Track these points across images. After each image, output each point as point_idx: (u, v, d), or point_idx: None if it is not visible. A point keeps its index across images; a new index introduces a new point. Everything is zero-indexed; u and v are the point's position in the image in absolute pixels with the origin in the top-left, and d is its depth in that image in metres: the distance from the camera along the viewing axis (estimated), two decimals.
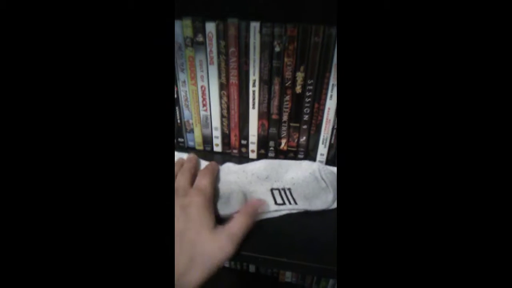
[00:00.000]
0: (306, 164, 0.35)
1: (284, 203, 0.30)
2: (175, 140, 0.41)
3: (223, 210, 0.28)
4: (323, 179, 0.33)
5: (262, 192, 0.32)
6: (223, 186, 0.32)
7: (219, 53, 0.32)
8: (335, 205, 0.30)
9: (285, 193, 0.32)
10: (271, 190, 0.32)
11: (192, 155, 0.34)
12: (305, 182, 0.33)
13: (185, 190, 0.27)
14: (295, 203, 0.30)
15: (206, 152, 0.40)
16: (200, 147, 0.41)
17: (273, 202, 0.30)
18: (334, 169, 0.36)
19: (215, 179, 0.31)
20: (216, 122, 0.38)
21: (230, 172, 0.34)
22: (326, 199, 0.30)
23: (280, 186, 0.33)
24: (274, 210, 0.29)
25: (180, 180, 0.28)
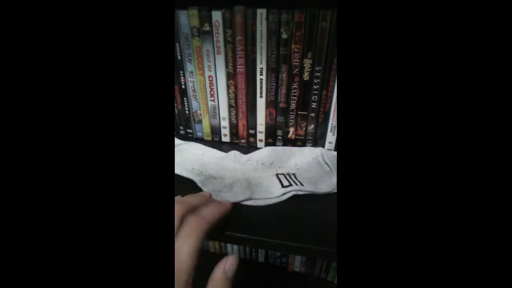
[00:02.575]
0: (308, 150, 0.36)
1: (290, 185, 0.30)
2: (183, 131, 0.41)
3: (226, 198, 0.29)
4: (326, 163, 0.34)
5: (267, 178, 0.32)
6: (228, 174, 0.32)
7: (226, 42, 0.32)
8: None
9: (290, 177, 0.32)
10: (277, 175, 0.32)
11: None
12: (309, 167, 0.34)
13: (177, 222, 0.21)
14: (301, 185, 0.30)
15: (215, 143, 0.40)
16: (208, 137, 0.41)
17: (279, 185, 0.30)
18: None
19: (219, 219, 0.24)
20: (224, 112, 0.38)
21: (236, 160, 0.35)
22: (331, 182, 0.31)
23: (285, 171, 0.33)
24: (281, 194, 0.29)
25: (176, 210, 0.21)
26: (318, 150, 0.36)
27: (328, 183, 0.31)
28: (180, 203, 0.22)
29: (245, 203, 0.29)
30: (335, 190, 0.31)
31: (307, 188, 0.30)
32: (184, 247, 0.19)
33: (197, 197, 0.26)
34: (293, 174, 0.33)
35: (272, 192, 0.29)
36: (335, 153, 0.36)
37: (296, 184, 0.30)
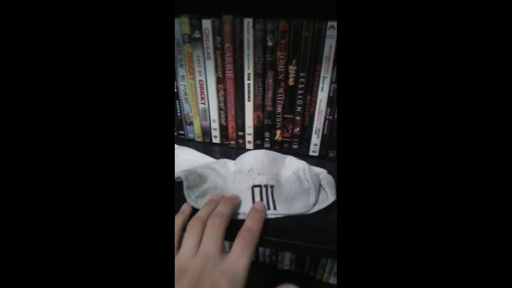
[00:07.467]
0: (289, 160, 0.34)
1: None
2: (175, 133, 0.43)
3: (195, 203, 0.29)
4: (307, 179, 0.31)
5: (243, 191, 0.31)
6: (211, 177, 0.32)
7: (215, 48, 0.34)
8: (315, 209, 0.30)
9: (266, 192, 0.31)
10: (252, 188, 0.31)
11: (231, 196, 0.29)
12: (287, 182, 0.32)
13: (213, 267, 0.21)
14: (274, 207, 0.29)
15: (205, 144, 0.42)
16: (199, 139, 0.42)
17: (251, 203, 0.30)
18: (319, 170, 0.35)
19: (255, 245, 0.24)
20: (214, 114, 0.39)
21: (223, 167, 0.34)
22: (307, 203, 0.30)
23: (263, 181, 0.31)
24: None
25: (208, 245, 0.22)
26: (300, 164, 0.33)
27: (304, 203, 0.30)
28: (220, 217, 0.24)
29: None
30: (310, 211, 0.30)
31: (280, 211, 0.29)
32: (241, 262, 0.21)
33: (227, 203, 0.27)
34: (271, 187, 0.31)
35: (243, 209, 0.29)
36: (316, 169, 0.34)
37: (269, 208, 0.29)
